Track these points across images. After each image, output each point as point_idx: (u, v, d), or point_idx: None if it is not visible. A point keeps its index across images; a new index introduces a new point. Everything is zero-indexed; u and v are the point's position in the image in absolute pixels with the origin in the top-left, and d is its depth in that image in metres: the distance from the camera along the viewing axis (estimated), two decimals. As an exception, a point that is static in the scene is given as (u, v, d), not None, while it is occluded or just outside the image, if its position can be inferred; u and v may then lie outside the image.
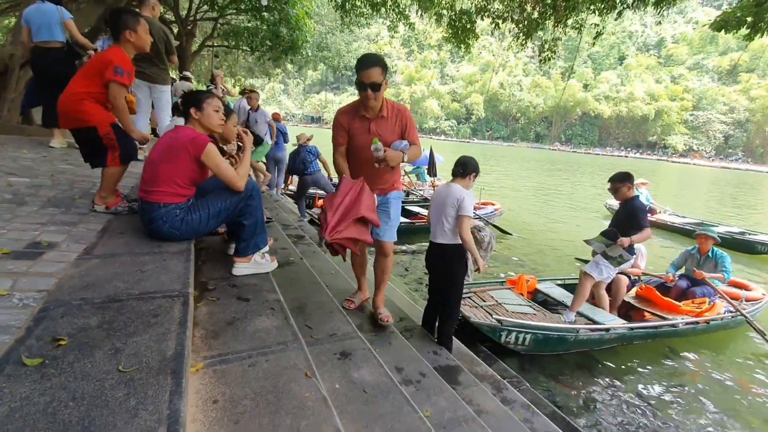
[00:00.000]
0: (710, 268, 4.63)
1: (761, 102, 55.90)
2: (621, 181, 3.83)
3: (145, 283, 1.62)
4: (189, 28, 11.48)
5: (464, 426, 1.89)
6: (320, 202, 7.84)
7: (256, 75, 20.26)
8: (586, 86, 68.43)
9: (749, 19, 5.07)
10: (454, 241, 2.63)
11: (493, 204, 9.48)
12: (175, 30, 10.70)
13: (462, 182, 2.70)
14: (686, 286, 4.78)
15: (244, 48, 13.25)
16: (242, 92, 7.56)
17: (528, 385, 3.23)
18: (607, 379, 3.68)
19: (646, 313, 4.35)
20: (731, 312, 4.33)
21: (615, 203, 10.75)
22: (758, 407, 3.47)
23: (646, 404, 3.36)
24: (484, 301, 4.05)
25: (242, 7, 11.19)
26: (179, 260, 1.92)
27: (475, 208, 4.15)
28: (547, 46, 8.58)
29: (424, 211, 8.45)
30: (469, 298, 4.07)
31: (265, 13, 10.33)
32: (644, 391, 3.54)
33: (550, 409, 2.90)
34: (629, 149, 64.55)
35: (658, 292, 4.47)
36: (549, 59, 8.68)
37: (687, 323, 4.07)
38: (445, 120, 74.75)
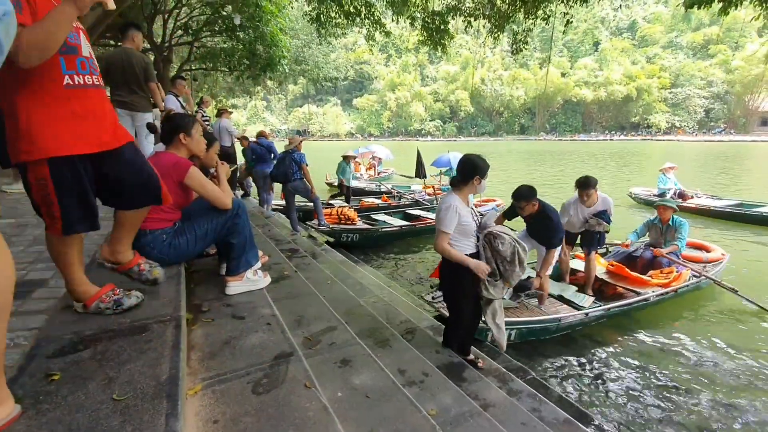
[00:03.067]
0: (672, 235, 4.90)
1: (740, 73, 56.76)
2: (526, 199, 3.52)
3: (137, 310, 1.62)
4: (165, 54, 11.50)
5: (471, 421, 1.89)
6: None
7: (237, 94, 20.31)
8: (564, 74, 69.18)
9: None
10: None
11: (494, 200, 9.32)
12: (151, 57, 10.72)
13: (466, 190, 2.52)
14: (651, 255, 4.99)
15: (223, 69, 13.29)
16: (219, 113, 7.53)
17: (534, 374, 3.23)
18: (603, 355, 3.72)
19: (618, 288, 4.46)
20: (696, 276, 4.58)
21: (640, 191, 10.76)
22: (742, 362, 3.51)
23: (641, 376, 3.39)
24: None
25: (216, 29, 11.26)
26: (170, 285, 1.92)
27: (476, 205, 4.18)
28: (519, 38, 8.68)
29: (425, 214, 8.42)
30: None
31: (240, 33, 10.38)
32: (634, 363, 3.58)
33: (557, 395, 2.90)
34: (613, 132, 65.18)
35: (627, 269, 4.58)
36: (521, 50, 8.77)
37: (658, 295, 4.22)
38: (430, 121, 75.18)
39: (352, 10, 8.46)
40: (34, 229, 2.84)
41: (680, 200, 9.39)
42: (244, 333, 1.84)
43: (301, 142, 6.42)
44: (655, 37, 74.08)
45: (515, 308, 3.91)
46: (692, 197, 9.71)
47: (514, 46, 8.57)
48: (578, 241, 4.58)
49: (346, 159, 9.56)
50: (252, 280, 2.34)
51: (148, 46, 10.88)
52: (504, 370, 2.85)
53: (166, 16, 11.40)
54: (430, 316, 3.60)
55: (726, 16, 5.71)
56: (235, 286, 2.29)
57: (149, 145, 4.43)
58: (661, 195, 9.59)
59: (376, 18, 8.77)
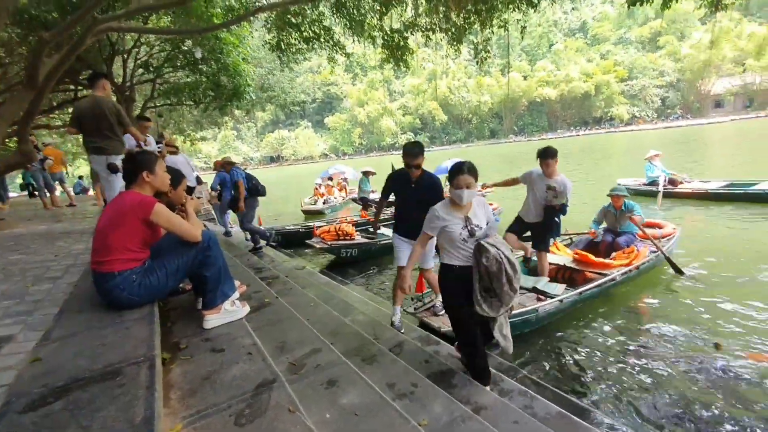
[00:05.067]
0: (626, 219, 5.25)
1: (689, 61, 59.78)
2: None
3: (108, 355, 1.57)
4: (127, 93, 11.37)
5: (462, 426, 1.89)
6: (321, 230, 7.76)
7: (205, 126, 20.15)
8: (525, 77, 71.45)
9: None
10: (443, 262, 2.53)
11: (490, 204, 9.45)
12: (114, 99, 10.58)
13: (449, 197, 2.49)
14: (611, 239, 5.38)
15: (188, 102, 13.21)
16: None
17: (524, 372, 3.27)
18: (584, 342, 3.80)
19: (587, 274, 4.67)
20: (654, 252, 4.95)
21: (628, 182, 10.75)
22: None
23: (622, 358, 3.46)
24: None
25: (178, 64, 11.23)
26: (143, 325, 1.87)
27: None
28: (480, 47, 8.95)
29: None
30: (433, 305, 3.99)
31: (203, 66, 10.39)
32: (614, 345, 3.67)
33: (548, 390, 2.93)
34: (578, 128, 67.38)
35: (592, 256, 4.84)
36: (485, 59, 9.04)
37: (623, 274, 4.47)
38: (402, 134, 76.16)
39: (310, 35, 8.60)
40: (0, 284, 2.74)
41: (671, 186, 9.53)
42: (224, 366, 1.81)
43: (227, 163, 6.36)
44: (606, 35, 77.69)
45: None
46: (682, 182, 9.81)
47: (477, 56, 8.82)
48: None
49: (366, 174, 9.78)
50: (230, 311, 2.31)
51: (110, 87, 10.75)
52: (494, 371, 2.87)
53: (126, 56, 11.31)
54: (417, 327, 3.61)
55: (668, 9, 6.06)
56: (213, 320, 2.25)
57: (117, 182, 4.39)
58: (651, 183, 9.79)
59: (335, 41, 8.93)
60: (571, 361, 3.53)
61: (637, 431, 2.62)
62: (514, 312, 3.68)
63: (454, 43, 9.00)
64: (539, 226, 4.38)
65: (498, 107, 74.45)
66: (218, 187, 6.60)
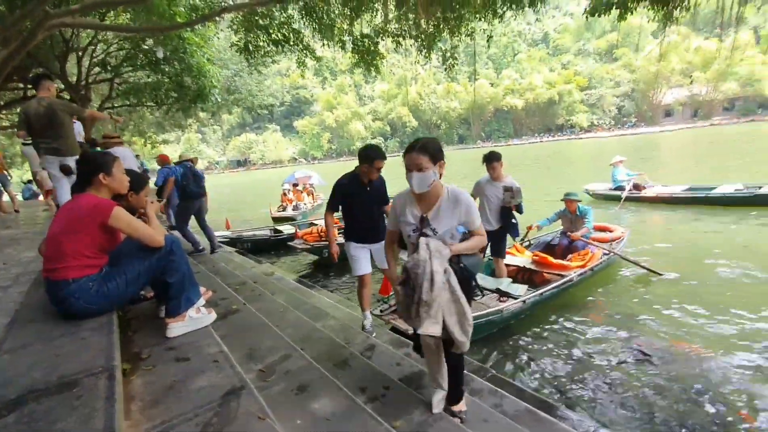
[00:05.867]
0: (580, 222, 5.56)
1: (642, 72, 63.38)
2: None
3: (64, 366, 1.48)
4: (82, 93, 10.82)
5: (434, 426, 1.91)
6: (303, 232, 7.64)
7: (167, 129, 19.42)
8: (492, 85, 73.49)
9: (615, 1, 5.84)
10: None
11: None
12: (67, 98, 10.03)
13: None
14: (567, 242, 5.67)
15: (149, 104, 12.71)
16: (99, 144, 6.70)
17: (493, 372, 3.33)
18: (547, 340, 3.94)
19: (545, 275, 4.89)
20: (606, 254, 5.24)
21: (596, 187, 11.08)
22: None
23: (583, 354, 3.60)
24: None
25: (138, 64, 10.80)
26: (101, 335, 1.78)
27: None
28: (448, 55, 9.12)
29: None
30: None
31: (165, 66, 10.04)
32: (575, 341, 3.82)
33: (516, 388, 3.00)
34: (542, 134, 69.92)
35: (550, 258, 5.07)
36: (453, 66, 9.22)
37: (579, 275, 4.70)
38: (372, 139, 76.33)
39: (279, 37, 8.49)
40: (-65, 297, 2.52)
41: (636, 191, 9.93)
42: (189, 375, 1.74)
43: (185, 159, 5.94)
44: (567, 46, 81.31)
45: None
46: (645, 187, 10.18)
47: (445, 63, 8.98)
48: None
49: None
50: (195, 318, 2.23)
51: (62, 86, 10.19)
52: (465, 372, 2.91)
53: (81, 53, 10.75)
54: (389, 330, 3.61)
55: (623, 22, 6.40)
56: (177, 328, 2.16)
57: (66, 186, 4.18)
58: (618, 188, 10.15)
59: (305, 44, 8.87)
60: (536, 359, 3.63)
61: (599, 422, 2.72)
62: (480, 313, 3.77)
63: (424, 50, 9.14)
64: (498, 232, 4.46)
65: (466, 113, 76.09)
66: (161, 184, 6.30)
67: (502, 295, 4.33)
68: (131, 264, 2.03)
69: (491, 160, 4.26)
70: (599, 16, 6.22)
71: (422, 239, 1.83)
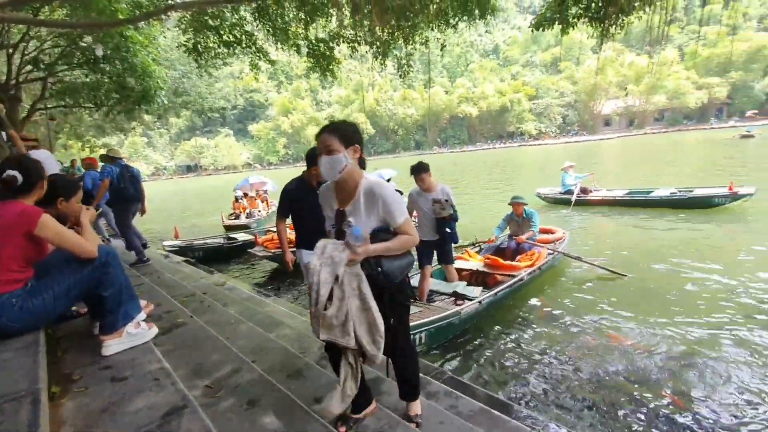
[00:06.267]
0: (527, 224, 5.82)
1: (583, 84, 67.81)
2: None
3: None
4: (12, 93, 9.89)
5: (390, 432, 1.89)
6: (263, 238, 7.37)
7: (108, 132, 18.16)
8: (447, 92, 75.57)
9: (557, 16, 6.20)
10: None
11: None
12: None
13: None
14: (516, 245, 5.93)
15: (88, 105, 11.85)
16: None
17: (450, 373, 3.37)
18: (502, 339, 4.07)
19: (497, 276, 5.09)
20: (551, 253, 5.55)
21: (547, 191, 11.60)
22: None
23: (537, 350, 3.76)
24: None
25: (75, 62, 10.05)
26: (26, 355, 1.61)
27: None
28: (403, 62, 9.23)
29: None
30: None
31: (105, 65, 9.41)
32: (528, 339, 3.98)
33: (471, 388, 3.05)
34: (495, 141, 72.77)
35: (501, 260, 5.32)
36: (407, 73, 9.36)
37: (529, 274, 4.95)
38: (330, 144, 75.84)
39: (231, 39, 8.23)
40: None
41: (584, 195, 10.55)
42: (126, 396, 1.62)
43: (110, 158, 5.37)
44: (515, 58, 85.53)
45: (420, 312, 4.04)
46: (591, 191, 10.86)
47: (400, 70, 9.08)
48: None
49: None
50: (134, 334, 2.07)
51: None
52: (421, 375, 2.93)
53: (11, 50, 9.84)
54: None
55: (566, 36, 6.80)
56: (114, 345, 2.00)
57: None
58: (567, 192, 10.76)
59: (258, 47, 8.65)
60: (492, 359, 3.73)
61: (549, 416, 2.83)
62: (439, 316, 3.82)
63: (379, 57, 9.20)
64: (439, 241, 4.42)
65: (422, 120, 77.63)
66: (90, 186, 5.84)
67: (459, 298, 4.43)
68: (60, 277, 1.85)
69: (419, 171, 4.14)
70: (544, 30, 6.59)
71: (319, 243, 1.65)
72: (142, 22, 8.57)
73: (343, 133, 1.67)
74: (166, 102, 11.88)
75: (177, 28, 8.74)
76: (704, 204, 8.88)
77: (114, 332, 2.00)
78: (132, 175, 5.16)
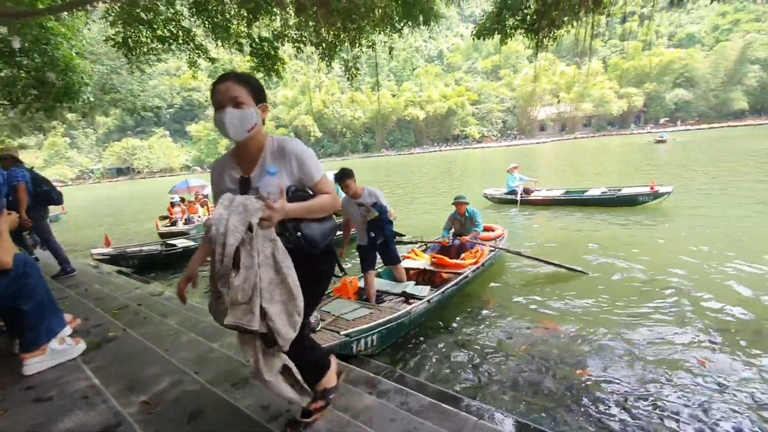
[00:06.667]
0: (470, 223, 6.03)
1: (520, 91, 71.94)
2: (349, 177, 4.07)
3: None
4: None
5: (341, 433, 1.90)
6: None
7: (25, 132, 16.33)
8: (394, 96, 76.73)
9: (496, 27, 6.53)
10: None
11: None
12: None
13: None
14: (459, 243, 6.18)
15: (2, 102, 10.61)
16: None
17: (400, 371, 3.43)
18: (450, 336, 4.20)
19: (443, 275, 5.26)
20: (492, 250, 5.81)
21: (493, 192, 12.05)
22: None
23: (483, 345, 3.92)
24: (323, 320, 3.91)
25: (-17, 53, 8.96)
26: None
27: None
28: (350, 65, 9.24)
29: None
30: (308, 322, 3.95)
31: (21, 58, 8.48)
32: (475, 335, 4.14)
33: (421, 384, 3.13)
34: (440, 144, 75.01)
35: (447, 258, 5.49)
36: (355, 76, 9.37)
37: (473, 271, 5.15)
38: (276, 146, 73.98)
39: (166, 34, 7.77)
40: None
41: (526, 195, 11.15)
42: (52, 417, 1.48)
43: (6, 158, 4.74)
44: (458, 64, 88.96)
45: (370, 314, 4.04)
46: (533, 192, 11.52)
47: (348, 72, 9.08)
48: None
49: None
50: (59, 350, 1.90)
51: None
52: (372, 375, 2.95)
53: None
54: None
55: (504, 46, 7.18)
56: (36, 363, 1.83)
57: None
58: (511, 192, 11.31)
59: (196, 44, 8.24)
60: (441, 355, 3.84)
61: (501, 407, 2.97)
62: (390, 317, 3.85)
63: (326, 58, 9.15)
64: (380, 245, 4.42)
65: (370, 122, 78.16)
66: None
67: (409, 297, 4.50)
68: (-33, 292, 1.66)
69: (342, 178, 4.05)
70: (484, 39, 6.93)
71: (225, 196, 1.35)
72: (65, 13, 7.84)
73: (255, 86, 1.44)
74: (92, 99, 10.90)
75: (104, 20, 8.08)
76: (630, 202, 9.72)
77: (36, 349, 1.82)
78: (39, 177, 4.67)
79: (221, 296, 1.27)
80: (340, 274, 1.79)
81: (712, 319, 4.03)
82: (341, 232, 4.90)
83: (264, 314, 1.30)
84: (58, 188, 4.99)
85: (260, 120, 1.47)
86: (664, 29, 72.17)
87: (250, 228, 1.25)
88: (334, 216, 1.64)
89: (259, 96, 1.47)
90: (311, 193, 1.54)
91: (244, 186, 1.44)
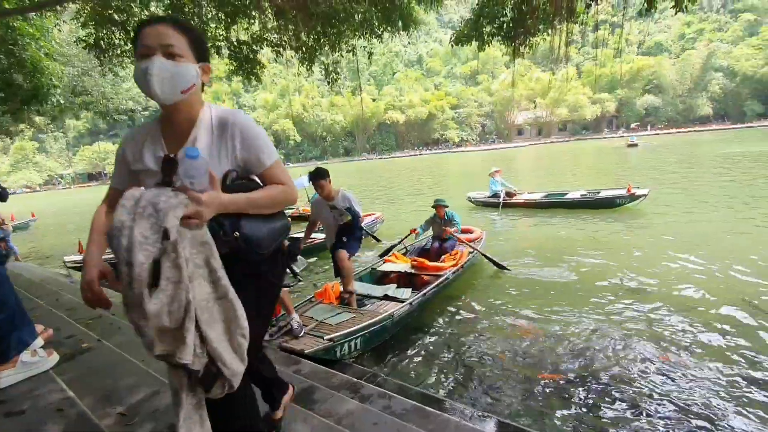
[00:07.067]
0: (449, 225, 6.13)
1: (498, 96, 73.36)
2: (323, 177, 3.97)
3: None
4: None
5: (322, 442, 1.89)
6: None
7: (-10, 135, 15.70)
8: (374, 100, 76.99)
9: (474, 34, 6.65)
10: None
11: (372, 214, 9.73)
12: None
13: None
14: (438, 245, 6.30)
15: (-38, 104, 10.14)
16: None
17: (383, 375, 3.44)
18: (433, 338, 4.25)
19: (424, 277, 5.31)
20: (471, 252, 5.90)
21: (476, 195, 12.18)
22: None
23: (465, 346, 3.97)
24: (306, 325, 3.86)
25: (-56, 54, 8.56)
26: None
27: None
28: (331, 69, 9.22)
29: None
30: (291, 328, 3.81)
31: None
32: (456, 335, 4.20)
33: (404, 388, 3.14)
34: (421, 148, 75.63)
35: (427, 261, 5.58)
36: (335, 80, 9.35)
37: (453, 273, 5.24)
38: (255, 150, 72.94)
39: (141, 36, 7.58)
40: None
41: (509, 198, 11.33)
42: (24, 431, 1.43)
43: None
44: (438, 69, 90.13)
45: (353, 318, 4.03)
46: (515, 195, 11.69)
47: (328, 77, 9.05)
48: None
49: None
50: (31, 363, 1.84)
51: None
52: (355, 380, 2.95)
53: None
54: (278, 350, 3.46)
55: (482, 52, 7.32)
56: (6, 376, 1.76)
57: None
58: (494, 196, 11.47)
59: (172, 45, 8.07)
60: (423, 358, 3.87)
61: (482, 408, 3.01)
62: (373, 321, 3.83)
63: (306, 62, 9.10)
64: (340, 233, 4.26)
65: (351, 126, 78.14)
66: None
67: (391, 300, 4.51)
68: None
69: (316, 178, 3.94)
70: (462, 45, 7.06)
71: (128, 192, 0.99)
72: (33, 13, 7.58)
73: (197, 38, 1.14)
74: (62, 102, 10.55)
75: (75, 21, 7.85)
76: (609, 204, 10.02)
77: (7, 362, 1.76)
78: None
79: (142, 331, 0.93)
80: (292, 283, 1.40)
81: (677, 315, 4.21)
82: (324, 236, 4.80)
83: (203, 341, 1.01)
84: (27, 194, 4.80)
85: (200, 82, 1.15)
86: (633, 38, 74.97)
87: (166, 235, 0.92)
88: (285, 214, 1.32)
89: (201, 52, 1.16)
90: (259, 182, 1.22)
91: (168, 169, 1.03)
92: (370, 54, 8.87)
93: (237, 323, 1.07)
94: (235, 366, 1.06)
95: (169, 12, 7.33)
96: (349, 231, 4.18)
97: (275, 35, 8.77)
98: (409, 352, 4.01)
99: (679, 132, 55.84)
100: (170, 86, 1.05)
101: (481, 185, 13.43)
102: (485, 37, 6.59)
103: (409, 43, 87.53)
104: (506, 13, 6.20)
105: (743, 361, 3.33)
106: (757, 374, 3.13)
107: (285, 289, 3.74)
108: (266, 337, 3.69)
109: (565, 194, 11.08)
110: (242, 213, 1.11)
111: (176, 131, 1.16)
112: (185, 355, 0.96)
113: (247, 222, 1.12)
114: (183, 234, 0.96)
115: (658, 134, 55.54)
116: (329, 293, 4.58)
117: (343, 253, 4.14)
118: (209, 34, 8.07)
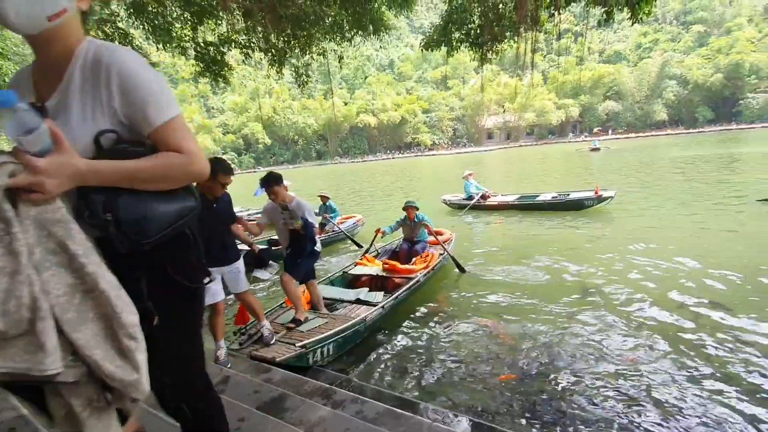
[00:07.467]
0: (420, 227, 6.19)
1: (468, 100, 74.93)
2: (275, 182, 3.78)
3: None
4: None
5: (294, 450, 1.86)
6: None
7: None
8: (346, 103, 76.91)
9: (443, 39, 6.76)
10: None
11: (353, 216, 9.78)
12: None
13: None
14: (408, 247, 6.32)
15: None
16: None
17: (356, 380, 3.42)
18: (405, 340, 4.25)
19: (396, 280, 5.34)
20: (441, 254, 6.00)
21: (451, 197, 12.29)
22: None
23: (437, 347, 4.02)
24: (276, 332, 3.78)
25: None
26: None
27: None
28: (302, 71, 9.13)
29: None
30: (262, 336, 3.71)
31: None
32: (426, 337, 4.21)
33: (376, 392, 3.14)
34: (393, 151, 76.10)
35: (398, 264, 5.58)
36: (306, 83, 9.27)
37: (424, 275, 5.30)
38: (223, 154, 71.34)
39: (100, 36, 7.29)
40: None
41: (482, 201, 11.50)
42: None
43: None
44: (409, 74, 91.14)
45: (326, 323, 4.00)
46: (489, 197, 11.89)
47: (299, 80, 8.96)
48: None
49: (323, 199, 9.15)
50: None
51: None
52: (327, 386, 2.92)
53: None
54: (248, 359, 3.39)
55: (451, 58, 7.44)
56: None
57: None
58: (469, 198, 11.64)
59: (135, 46, 7.81)
60: (396, 361, 3.87)
61: (455, 409, 3.04)
62: (346, 325, 3.81)
63: (276, 65, 8.99)
64: (291, 255, 4.01)
65: (323, 130, 77.66)
66: None
67: (363, 304, 4.51)
68: None
69: (269, 184, 3.72)
70: (432, 50, 7.16)
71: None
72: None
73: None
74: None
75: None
76: (578, 206, 10.39)
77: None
78: None
79: None
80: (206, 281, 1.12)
81: (642, 316, 4.38)
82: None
83: (70, 347, 0.79)
84: None
85: (74, 7, 0.88)
86: (595, 46, 78.57)
87: None
88: (193, 191, 1.04)
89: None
90: (146, 146, 0.93)
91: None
92: (341, 58, 8.86)
93: (118, 321, 0.83)
94: (124, 375, 0.82)
95: (131, 11, 7.09)
96: (301, 247, 3.90)
97: (244, 36, 8.62)
98: (381, 354, 4.01)
99: (638, 136, 58.77)
100: (30, 8, 0.79)
101: (455, 188, 13.63)
102: (454, 43, 6.71)
103: (380, 47, 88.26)
104: (474, 20, 6.34)
105: (706, 359, 3.52)
106: (719, 370, 3.32)
107: (252, 296, 3.67)
108: (235, 346, 3.60)
109: (537, 196, 11.41)
110: (124, 188, 0.87)
111: (48, 73, 0.90)
112: (48, 362, 0.73)
113: (128, 200, 0.87)
114: (23, 212, 0.76)
115: (619, 138, 58.23)
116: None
117: (287, 277, 3.83)
118: (174, 34, 7.85)
